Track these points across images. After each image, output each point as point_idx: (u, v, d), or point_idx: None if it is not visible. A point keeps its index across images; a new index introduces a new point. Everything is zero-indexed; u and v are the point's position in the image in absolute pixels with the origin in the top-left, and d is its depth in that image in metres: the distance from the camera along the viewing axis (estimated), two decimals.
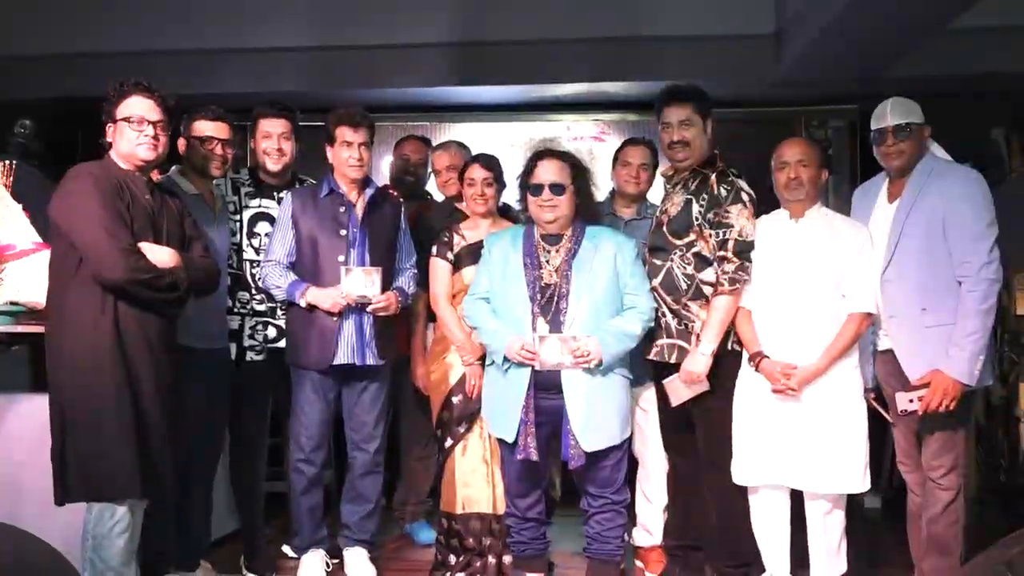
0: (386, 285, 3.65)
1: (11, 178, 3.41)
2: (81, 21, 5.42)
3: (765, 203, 3.49)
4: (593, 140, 5.76)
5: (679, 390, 3.33)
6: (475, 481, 3.65)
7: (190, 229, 3.17)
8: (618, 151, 4.08)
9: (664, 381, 3.38)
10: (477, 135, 5.75)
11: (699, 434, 3.42)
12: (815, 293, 3.21)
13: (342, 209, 3.66)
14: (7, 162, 3.47)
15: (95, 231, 2.80)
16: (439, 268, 3.70)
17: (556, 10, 5.26)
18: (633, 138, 4.23)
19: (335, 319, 3.59)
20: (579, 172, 3.31)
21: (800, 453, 3.21)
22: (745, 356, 3.33)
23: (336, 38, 5.35)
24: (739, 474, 3.30)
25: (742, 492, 3.36)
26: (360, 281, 3.57)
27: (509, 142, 5.52)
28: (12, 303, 3.27)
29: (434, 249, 3.74)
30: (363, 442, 3.75)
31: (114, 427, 2.81)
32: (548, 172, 3.24)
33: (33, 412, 3.24)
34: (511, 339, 3.19)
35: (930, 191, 3.14)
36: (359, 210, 3.68)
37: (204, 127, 3.46)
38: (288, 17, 5.39)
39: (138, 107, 2.99)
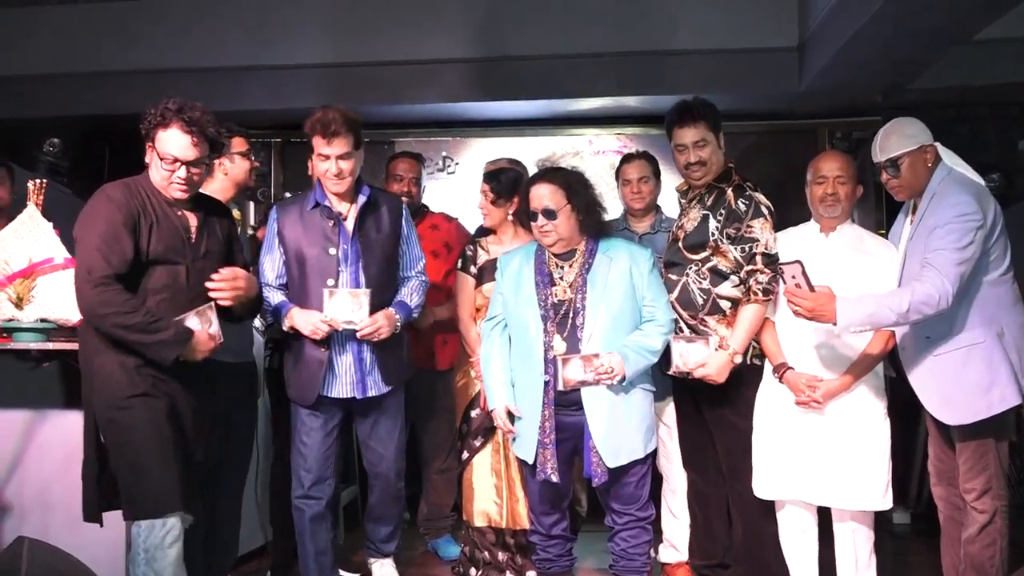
0: (384, 303, 3.36)
1: (42, 196, 3.44)
2: (107, 40, 5.49)
3: (787, 215, 3.48)
4: (615, 154, 5.73)
5: (686, 356, 3.29)
6: (490, 495, 3.67)
7: (237, 252, 3.09)
8: (617, 170, 4.13)
9: (672, 338, 3.28)
10: (499, 150, 5.75)
11: (719, 449, 3.41)
12: None
13: (331, 224, 3.35)
14: (38, 181, 3.50)
15: (79, 259, 2.80)
16: (463, 283, 3.72)
17: (578, 25, 5.28)
18: (629, 154, 4.27)
19: (323, 349, 3.31)
20: (576, 191, 3.21)
21: (822, 469, 3.19)
22: (768, 368, 3.32)
23: (358, 54, 5.39)
24: (760, 487, 3.28)
25: (767, 508, 3.34)
26: (346, 304, 3.25)
27: (531, 156, 5.52)
28: (43, 320, 3.30)
29: (458, 263, 3.76)
30: (382, 471, 3.54)
31: (152, 445, 2.78)
32: (539, 198, 3.21)
33: (63, 428, 3.27)
34: (496, 408, 3.28)
35: (933, 212, 3.03)
36: (350, 223, 3.37)
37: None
38: (310, 34, 5.45)
39: (173, 145, 2.83)
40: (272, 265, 3.40)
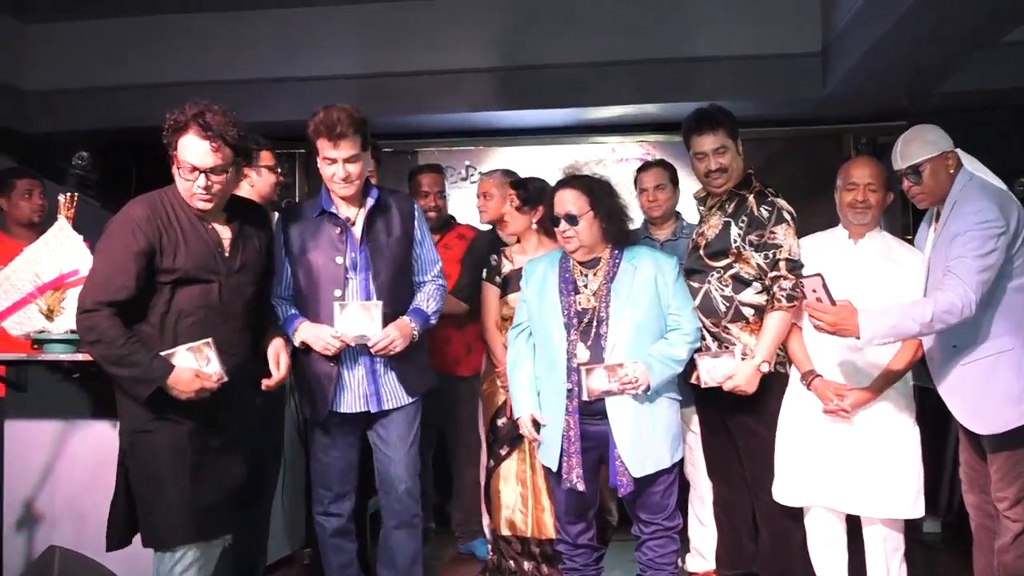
0: (399, 311, 3.18)
1: (72, 209, 3.49)
2: (134, 53, 5.56)
3: (812, 220, 3.46)
4: (639, 161, 5.72)
5: (713, 371, 3.27)
6: (515, 504, 3.67)
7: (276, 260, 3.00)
8: (635, 179, 4.15)
9: (696, 356, 3.26)
10: (523, 159, 5.79)
11: (744, 458, 3.38)
12: None
13: (337, 230, 3.16)
14: (68, 194, 3.54)
15: (86, 280, 2.75)
16: (488, 293, 3.72)
17: (600, 33, 5.30)
18: (646, 163, 4.33)
19: (332, 364, 3.14)
20: (599, 198, 3.20)
21: (852, 477, 3.16)
22: (794, 374, 3.29)
23: (382, 65, 5.43)
24: (782, 493, 3.25)
25: (794, 516, 3.31)
26: (357, 318, 3.08)
27: (554, 165, 5.53)
28: (73, 331, 3.33)
29: (484, 273, 3.77)
30: (390, 480, 3.25)
31: (169, 474, 2.68)
32: (562, 203, 3.20)
33: (94, 439, 3.30)
34: (521, 416, 3.26)
35: (954, 219, 2.99)
36: (358, 229, 3.18)
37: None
38: (336, 45, 5.50)
39: (191, 152, 2.68)
40: (279, 277, 3.19)
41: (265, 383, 2.96)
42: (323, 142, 3.06)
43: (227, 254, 2.83)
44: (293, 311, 3.18)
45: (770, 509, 3.31)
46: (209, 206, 2.76)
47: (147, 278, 2.71)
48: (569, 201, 3.19)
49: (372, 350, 3.11)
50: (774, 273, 3.26)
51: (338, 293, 3.11)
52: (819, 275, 2.89)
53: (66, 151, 4.95)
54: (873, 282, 3.16)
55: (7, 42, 5.56)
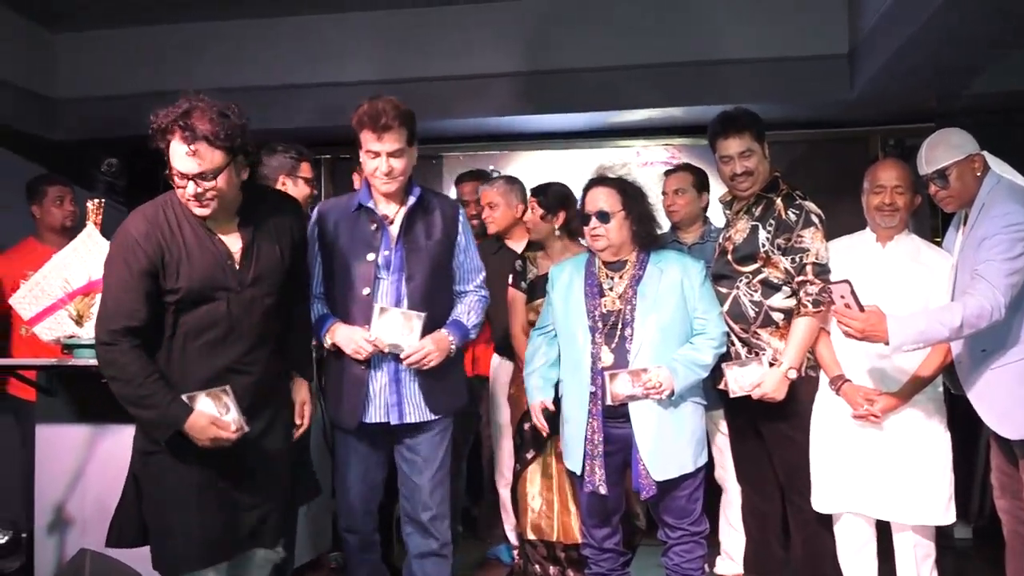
0: (433, 322, 2.97)
1: (100, 215, 3.53)
2: (161, 59, 5.61)
3: (840, 223, 3.43)
4: (664, 165, 5.72)
5: (741, 380, 3.25)
6: (541, 508, 3.66)
7: (300, 260, 2.83)
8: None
9: (724, 365, 3.26)
10: (547, 163, 5.79)
11: (777, 463, 3.36)
12: None
13: (373, 227, 3.00)
14: (96, 200, 3.58)
15: (100, 301, 2.65)
16: (515, 299, 3.73)
17: (626, 36, 5.28)
18: (670, 168, 4.36)
19: (363, 369, 2.97)
20: (632, 198, 3.21)
21: (882, 482, 3.13)
22: (824, 379, 3.27)
23: (407, 70, 5.43)
24: (819, 501, 3.23)
25: (825, 522, 3.28)
26: (396, 326, 2.91)
27: (579, 169, 5.53)
28: None
29: (510, 279, 3.77)
30: (417, 513, 3.06)
31: (175, 499, 2.59)
32: (594, 200, 3.21)
33: (124, 443, 3.26)
34: (532, 403, 3.31)
35: (982, 223, 2.97)
36: (395, 227, 3.02)
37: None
38: (361, 51, 5.52)
39: (177, 158, 2.51)
40: (312, 272, 3.03)
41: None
42: (367, 134, 2.90)
43: (238, 266, 2.63)
44: (325, 311, 3.04)
45: (804, 515, 3.29)
46: (207, 211, 2.57)
47: (157, 297, 2.56)
48: (602, 199, 3.19)
49: (404, 362, 2.94)
50: (801, 278, 3.24)
51: (366, 292, 2.96)
52: (847, 281, 2.86)
53: (95, 158, 5.00)
54: (901, 285, 3.14)
55: (38, 51, 5.63)
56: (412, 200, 3.02)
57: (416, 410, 2.99)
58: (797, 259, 3.25)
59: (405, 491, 3.07)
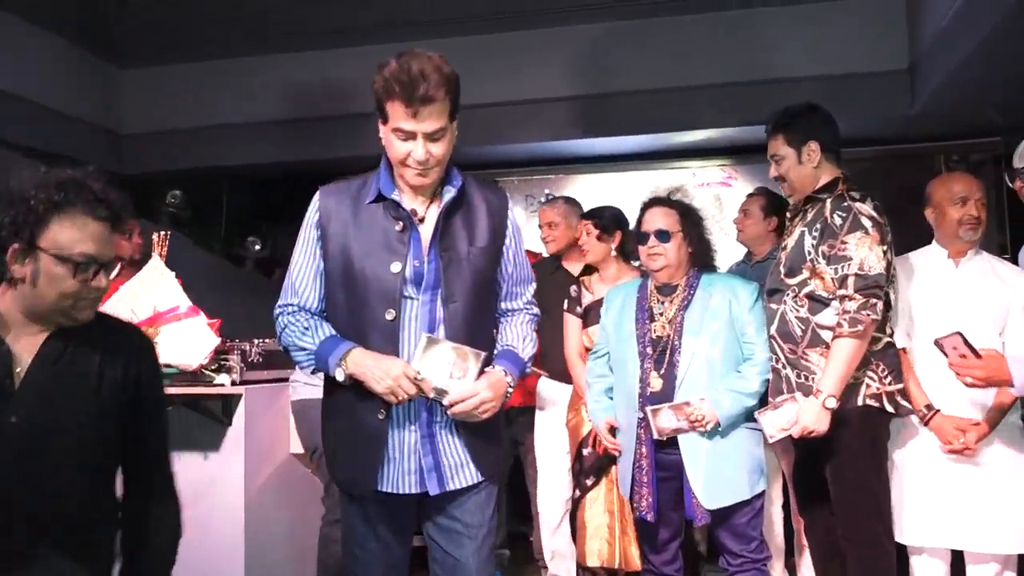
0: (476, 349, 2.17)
1: (165, 247, 3.61)
2: (221, 93, 5.76)
3: (903, 242, 3.33)
4: (720, 186, 5.70)
5: (777, 422, 2.99)
6: (602, 534, 3.62)
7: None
8: None
9: (757, 413, 3.01)
10: (602, 186, 5.78)
11: (834, 502, 3.10)
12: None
13: (398, 227, 2.17)
14: (162, 232, 3.67)
15: None
16: (570, 324, 3.71)
17: (679, 57, 5.27)
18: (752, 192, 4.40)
19: (381, 416, 2.14)
20: (690, 220, 3.18)
21: (965, 512, 2.99)
22: (902, 406, 3.07)
23: (462, 96, 5.47)
24: (908, 534, 3.05)
25: (884, 562, 3.11)
26: (445, 364, 2.11)
27: (634, 191, 5.51)
28: (167, 366, 3.43)
29: (565, 304, 3.76)
30: None
31: None
32: (654, 220, 3.18)
33: (184, 471, 3.32)
34: (598, 422, 3.27)
35: None
36: (428, 228, 2.19)
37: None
38: None
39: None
40: (310, 279, 2.21)
41: None
42: (397, 106, 2.09)
43: (16, 384, 1.84)
44: (330, 332, 2.19)
45: (857, 540, 3.06)
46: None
47: None
48: (661, 218, 3.17)
49: (449, 411, 2.14)
50: (842, 291, 2.83)
51: (391, 316, 2.13)
52: (959, 333, 2.68)
53: (159, 191, 5.13)
54: (979, 304, 3.00)
55: (107, 88, 5.81)
56: (451, 193, 2.20)
57: (459, 474, 2.20)
58: (840, 269, 2.84)
59: (440, 571, 2.27)
